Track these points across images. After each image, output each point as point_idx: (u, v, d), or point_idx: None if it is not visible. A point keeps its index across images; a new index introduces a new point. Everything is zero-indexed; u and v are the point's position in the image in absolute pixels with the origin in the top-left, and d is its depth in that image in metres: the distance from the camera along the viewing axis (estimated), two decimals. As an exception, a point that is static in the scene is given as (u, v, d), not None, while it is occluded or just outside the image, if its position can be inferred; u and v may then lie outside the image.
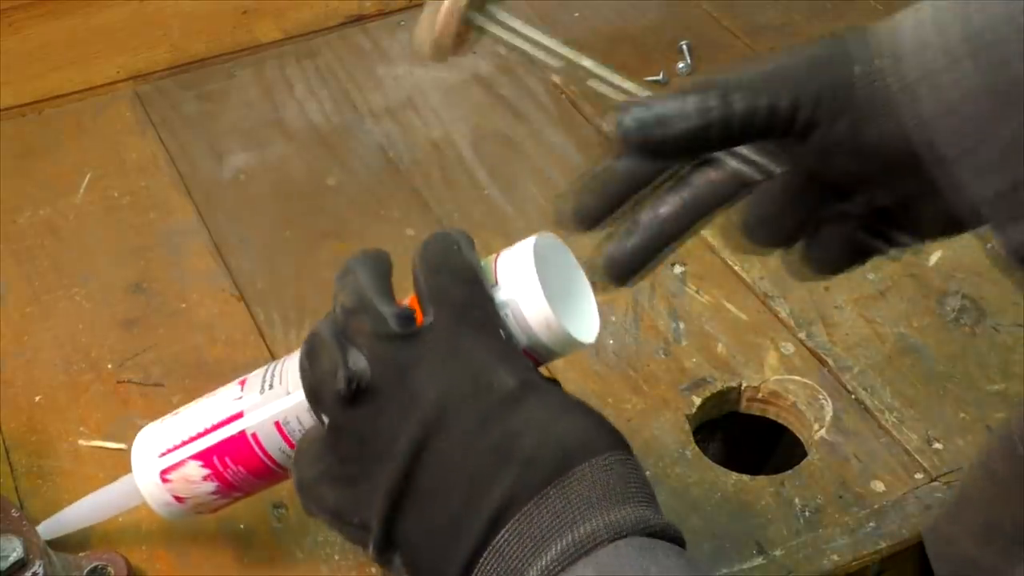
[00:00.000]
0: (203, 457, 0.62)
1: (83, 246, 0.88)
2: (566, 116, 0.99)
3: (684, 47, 1.03)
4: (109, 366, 0.79)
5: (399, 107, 1.00)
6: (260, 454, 0.61)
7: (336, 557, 0.68)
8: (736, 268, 0.85)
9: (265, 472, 0.62)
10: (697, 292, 0.83)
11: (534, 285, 0.55)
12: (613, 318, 0.81)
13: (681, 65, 1.02)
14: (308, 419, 0.59)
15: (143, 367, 0.78)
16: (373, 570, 0.67)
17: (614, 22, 1.08)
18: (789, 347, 0.79)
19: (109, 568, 0.65)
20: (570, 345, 0.56)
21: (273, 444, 0.60)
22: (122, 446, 0.72)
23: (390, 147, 0.96)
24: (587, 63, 0.59)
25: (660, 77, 1.01)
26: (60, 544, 0.66)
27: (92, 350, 0.80)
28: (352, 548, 0.68)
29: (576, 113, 0.99)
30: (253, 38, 1.06)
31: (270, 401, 0.60)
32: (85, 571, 0.65)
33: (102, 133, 0.98)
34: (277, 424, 0.60)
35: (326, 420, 0.54)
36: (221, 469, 0.62)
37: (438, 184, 0.92)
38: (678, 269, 0.85)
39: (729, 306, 0.82)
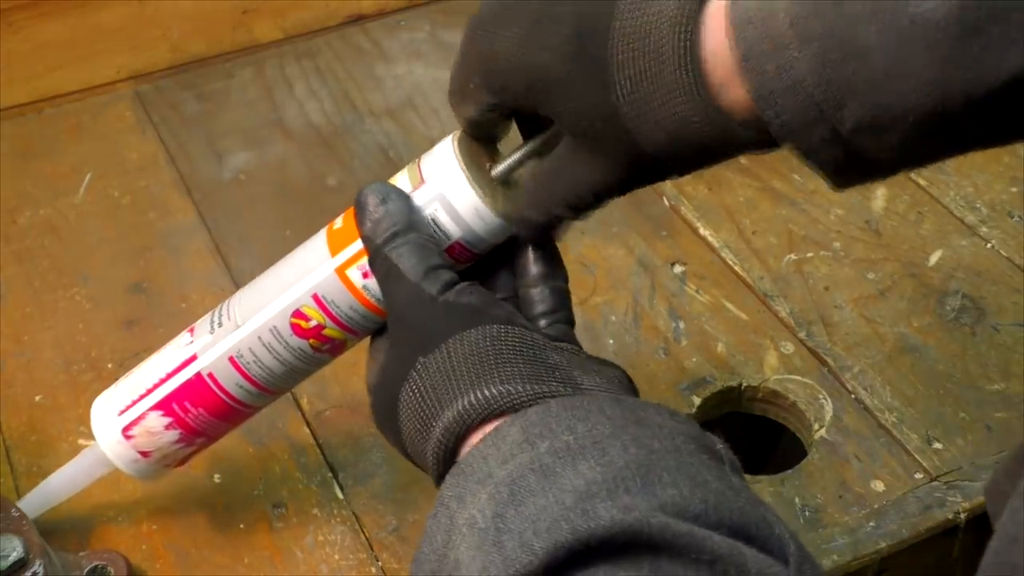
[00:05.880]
0: (163, 406, 0.62)
1: (83, 246, 0.88)
2: (566, 116, 0.98)
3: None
4: (109, 366, 0.79)
5: (399, 107, 1.00)
6: (219, 392, 0.61)
7: (336, 557, 0.68)
8: (736, 268, 0.85)
9: (226, 411, 0.62)
10: (697, 292, 0.83)
11: (457, 175, 0.57)
12: (613, 318, 0.81)
13: (681, 65, 1.02)
14: (260, 349, 0.60)
15: (143, 367, 0.78)
16: (373, 570, 0.67)
17: (614, 22, 1.08)
18: (789, 347, 0.79)
19: (109, 568, 0.65)
20: (501, 229, 0.58)
21: (230, 380, 0.61)
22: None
23: (390, 147, 0.96)
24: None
25: (660, 77, 1.01)
26: (60, 544, 0.66)
27: (92, 350, 0.80)
28: (352, 548, 0.68)
29: (576, 113, 0.99)
30: (253, 38, 1.06)
31: (221, 338, 0.61)
32: (85, 571, 0.65)
33: (102, 133, 0.98)
34: (231, 359, 0.61)
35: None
36: (182, 415, 0.62)
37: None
38: (678, 269, 0.85)
39: (729, 306, 0.82)
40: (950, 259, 0.85)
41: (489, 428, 0.51)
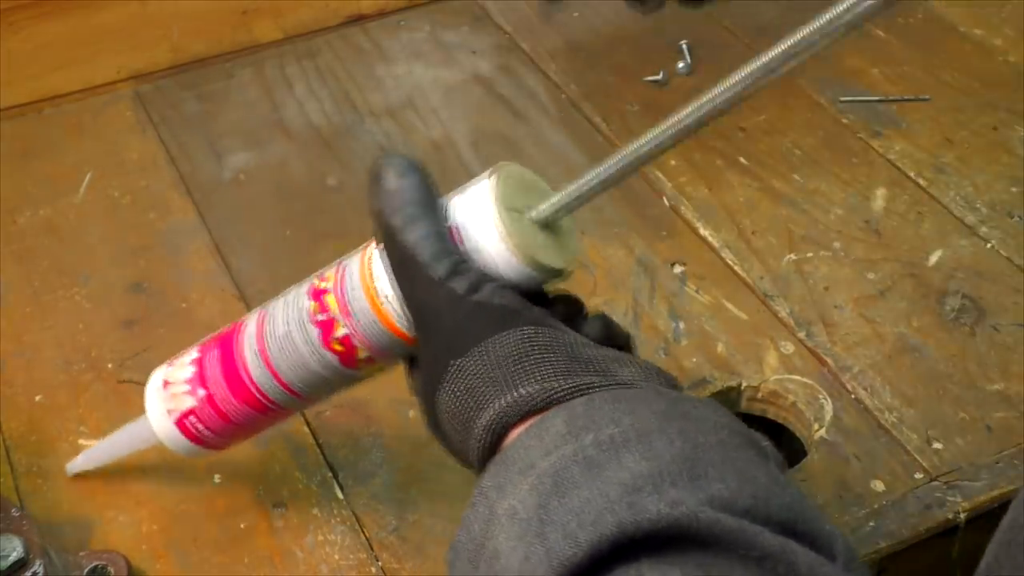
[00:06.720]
0: (201, 344, 0.64)
1: (83, 246, 0.88)
2: (566, 116, 0.99)
3: (684, 47, 1.03)
4: (109, 366, 0.79)
5: (399, 107, 1.00)
6: (234, 341, 0.62)
7: (336, 557, 0.68)
8: (736, 268, 0.85)
9: (229, 363, 0.62)
10: (697, 292, 0.83)
11: (491, 229, 0.55)
12: (613, 318, 0.81)
13: (681, 65, 1.02)
14: (281, 307, 0.60)
15: (143, 367, 0.78)
16: (373, 570, 0.67)
17: (614, 22, 1.08)
18: (789, 347, 0.79)
19: (109, 568, 0.65)
20: (527, 277, 0.55)
21: (250, 334, 0.61)
22: (122, 446, 0.73)
23: (390, 147, 0.96)
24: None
25: (660, 77, 1.01)
26: (60, 544, 0.66)
27: (92, 350, 0.80)
28: (352, 548, 0.68)
29: (576, 113, 0.99)
30: (253, 38, 1.06)
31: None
32: (85, 571, 0.65)
33: (102, 133, 0.98)
34: (262, 313, 0.62)
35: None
36: (204, 353, 0.63)
37: (438, 184, 0.92)
38: (678, 269, 0.85)
39: (729, 306, 0.82)
40: (950, 259, 0.85)
41: (531, 422, 0.51)
